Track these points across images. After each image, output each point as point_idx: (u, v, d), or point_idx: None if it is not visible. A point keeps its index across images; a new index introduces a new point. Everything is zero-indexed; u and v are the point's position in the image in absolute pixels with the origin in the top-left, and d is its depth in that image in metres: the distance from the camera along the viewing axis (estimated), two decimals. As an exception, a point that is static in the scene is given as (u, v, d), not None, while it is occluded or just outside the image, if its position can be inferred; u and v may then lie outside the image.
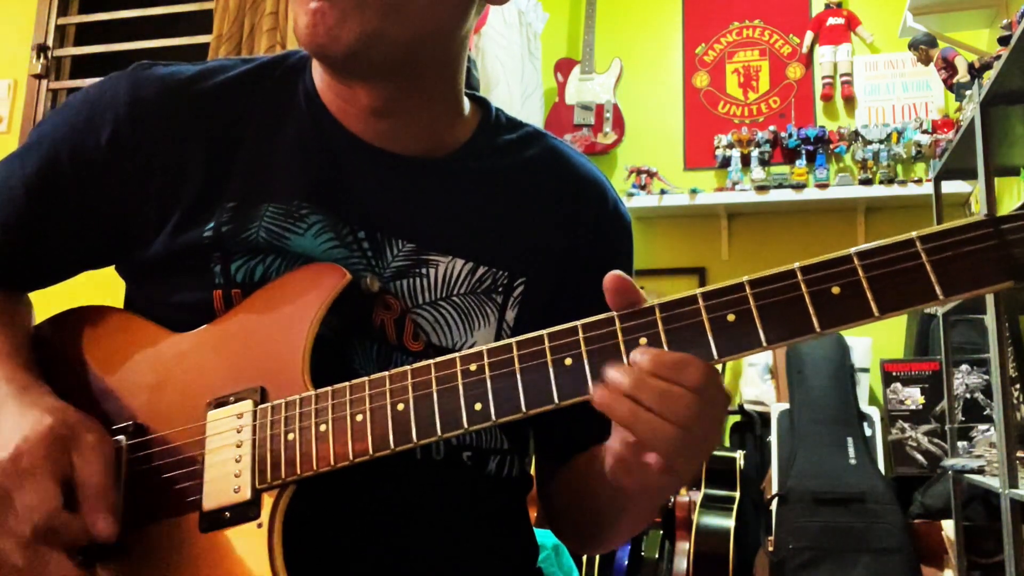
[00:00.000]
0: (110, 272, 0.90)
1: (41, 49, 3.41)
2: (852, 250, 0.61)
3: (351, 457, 0.69)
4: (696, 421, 0.61)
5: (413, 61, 0.81)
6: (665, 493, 0.75)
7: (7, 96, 3.42)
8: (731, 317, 0.62)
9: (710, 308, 0.63)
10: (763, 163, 3.51)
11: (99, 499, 0.70)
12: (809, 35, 3.68)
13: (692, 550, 2.84)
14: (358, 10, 0.75)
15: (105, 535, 0.70)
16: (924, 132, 3.37)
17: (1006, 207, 2.82)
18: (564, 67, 3.83)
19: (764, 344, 0.61)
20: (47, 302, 0.92)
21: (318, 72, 0.86)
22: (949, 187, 2.97)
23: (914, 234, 0.59)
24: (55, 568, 0.68)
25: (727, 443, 3.35)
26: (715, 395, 0.62)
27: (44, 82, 3.43)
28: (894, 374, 3.05)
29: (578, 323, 0.66)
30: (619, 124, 3.73)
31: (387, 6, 0.76)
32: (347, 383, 0.71)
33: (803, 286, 0.61)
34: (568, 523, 0.90)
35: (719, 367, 0.63)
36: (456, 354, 0.69)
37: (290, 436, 0.71)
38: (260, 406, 0.73)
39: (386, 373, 0.70)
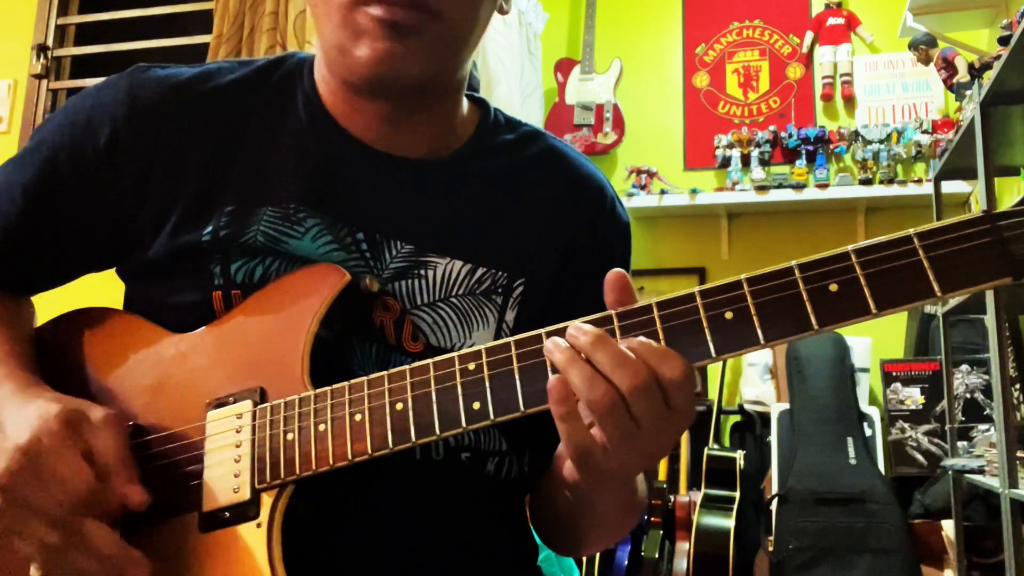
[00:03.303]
0: (110, 274, 0.90)
1: (41, 49, 3.41)
2: (850, 247, 0.61)
3: (350, 457, 0.69)
4: (657, 421, 0.61)
5: (445, 79, 0.83)
6: (617, 493, 0.75)
7: (7, 96, 3.42)
8: (729, 315, 0.62)
9: (708, 306, 0.62)
10: (763, 163, 3.52)
11: (123, 469, 0.71)
12: (809, 35, 3.69)
13: (692, 550, 2.84)
14: (427, 49, 0.77)
15: (138, 502, 0.71)
16: (924, 132, 3.37)
17: (1006, 207, 2.82)
18: (564, 67, 3.83)
19: (762, 342, 0.61)
20: (48, 304, 0.92)
21: (325, 79, 0.86)
22: (949, 187, 2.97)
23: (911, 231, 0.59)
24: (98, 536, 0.69)
25: (727, 443, 3.35)
26: (683, 400, 0.62)
27: (44, 82, 3.43)
28: (894, 374, 3.05)
29: (576, 322, 0.66)
30: (619, 124, 3.73)
31: (454, 41, 0.79)
32: (346, 383, 0.71)
33: (801, 284, 0.61)
34: (542, 522, 0.91)
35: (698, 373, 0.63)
36: (455, 353, 0.69)
37: (289, 436, 0.72)
38: (259, 406, 0.74)
39: (385, 373, 0.70)
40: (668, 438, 0.64)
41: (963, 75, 2.53)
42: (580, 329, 0.63)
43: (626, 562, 2.81)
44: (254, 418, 0.73)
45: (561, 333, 0.65)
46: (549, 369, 0.65)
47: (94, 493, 0.69)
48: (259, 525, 0.70)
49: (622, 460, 0.64)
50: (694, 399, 0.63)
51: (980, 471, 2.33)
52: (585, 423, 0.63)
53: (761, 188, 3.43)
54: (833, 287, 0.60)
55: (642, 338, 0.62)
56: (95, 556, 0.69)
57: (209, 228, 0.80)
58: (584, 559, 2.78)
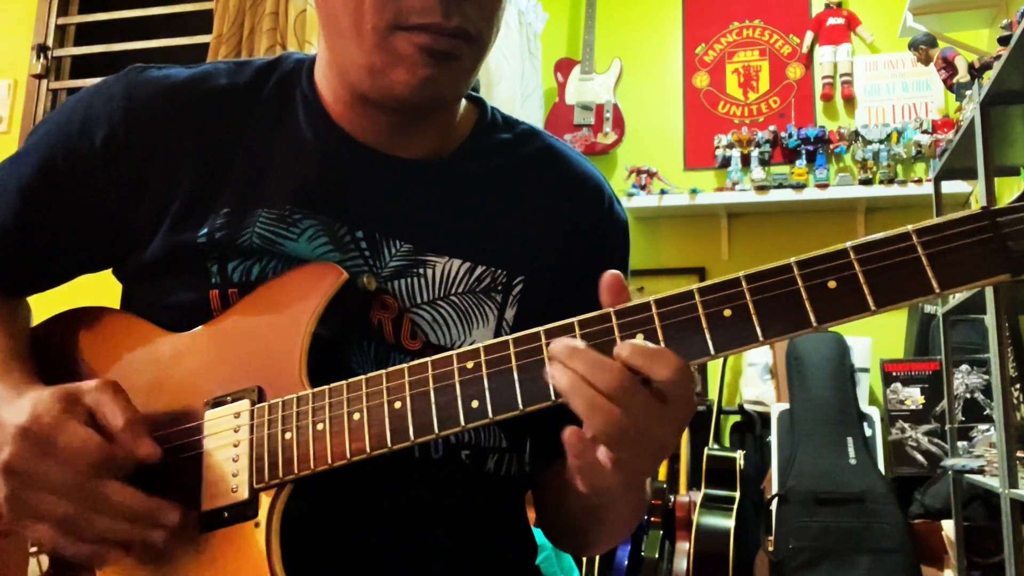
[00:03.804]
0: (107, 274, 0.90)
1: (41, 49, 3.41)
2: (848, 244, 0.61)
3: (348, 456, 0.69)
4: (653, 418, 0.61)
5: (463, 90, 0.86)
6: (629, 496, 0.75)
7: (7, 96, 3.41)
8: (727, 312, 0.62)
9: (706, 303, 0.62)
10: (763, 163, 3.52)
11: (132, 426, 0.71)
12: (809, 35, 3.69)
13: (692, 550, 2.84)
14: (463, 72, 0.79)
15: (150, 455, 0.71)
16: (924, 132, 3.37)
17: (1006, 207, 2.81)
18: (564, 67, 3.83)
19: (761, 339, 0.61)
20: (46, 304, 0.92)
21: (330, 85, 0.85)
22: (949, 187, 2.97)
23: (910, 227, 0.59)
24: (119, 494, 0.69)
25: (727, 443, 3.35)
26: (679, 395, 0.61)
27: (44, 82, 3.42)
28: (894, 374, 3.05)
29: (574, 320, 0.65)
30: (619, 124, 3.73)
31: (482, 58, 0.81)
32: (344, 382, 0.71)
33: (799, 280, 0.61)
34: (551, 524, 0.91)
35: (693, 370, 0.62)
36: (453, 352, 0.69)
37: (287, 435, 0.71)
38: (257, 405, 0.73)
39: (383, 371, 0.70)
40: (671, 434, 0.63)
41: (963, 75, 2.53)
42: (559, 342, 0.63)
43: (626, 562, 2.81)
44: (252, 417, 0.73)
45: (559, 331, 0.65)
46: (547, 367, 0.65)
47: (105, 454, 0.69)
48: (257, 525, 0.70)
49: (629, 461, 0.63)
50: (692, 391, 0.62)
51: (980, 471, 2.33)
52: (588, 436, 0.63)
53: (761, 188, 3.43)
54: (832, 284, 0.60)
55: (636, 340, 0.62)
56: (120, 514, 0.69)
57: (205, 230, 0.80)
58: (584, 559, 2.78)
